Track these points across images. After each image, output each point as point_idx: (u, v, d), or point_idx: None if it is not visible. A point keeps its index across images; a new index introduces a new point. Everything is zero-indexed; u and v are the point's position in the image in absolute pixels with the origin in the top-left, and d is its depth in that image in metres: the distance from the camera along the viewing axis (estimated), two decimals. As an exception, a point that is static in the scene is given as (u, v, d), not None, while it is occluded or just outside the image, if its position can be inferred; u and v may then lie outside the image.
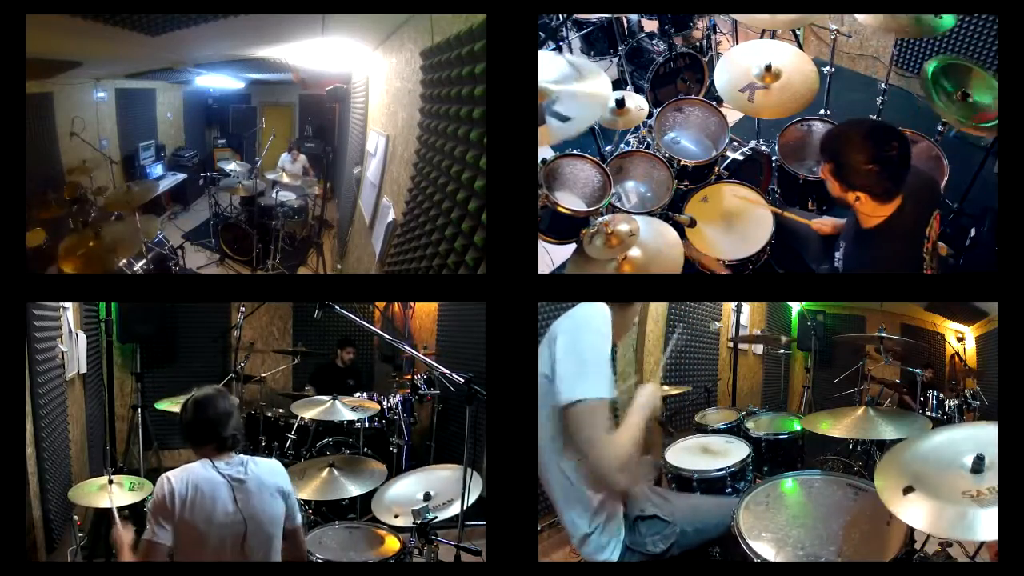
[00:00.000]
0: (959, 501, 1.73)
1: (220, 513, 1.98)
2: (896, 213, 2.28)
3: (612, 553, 2.08)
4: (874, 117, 3.72)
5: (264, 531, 2.05)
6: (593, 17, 4.52)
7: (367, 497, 3.11)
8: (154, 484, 2.02)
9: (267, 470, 2.12)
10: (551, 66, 2.86)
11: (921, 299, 5.68)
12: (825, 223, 2.89)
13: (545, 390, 2.00)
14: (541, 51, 3.54)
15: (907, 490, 1.80)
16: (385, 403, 4.43)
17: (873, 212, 2.29)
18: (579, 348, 1.93)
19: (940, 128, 3.28)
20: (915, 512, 1.75)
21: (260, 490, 2.05)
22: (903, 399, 5.05)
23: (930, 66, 3.18)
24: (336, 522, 3.04)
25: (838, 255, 2.51)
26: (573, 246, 3.09)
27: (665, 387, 4.25)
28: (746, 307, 5.67)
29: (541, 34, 4.03)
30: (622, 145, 3.67)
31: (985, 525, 1.67)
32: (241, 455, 2.10)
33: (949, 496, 1.75)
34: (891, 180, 2.21)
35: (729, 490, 2.92)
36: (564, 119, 2.75)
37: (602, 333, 1.95)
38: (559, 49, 4.15)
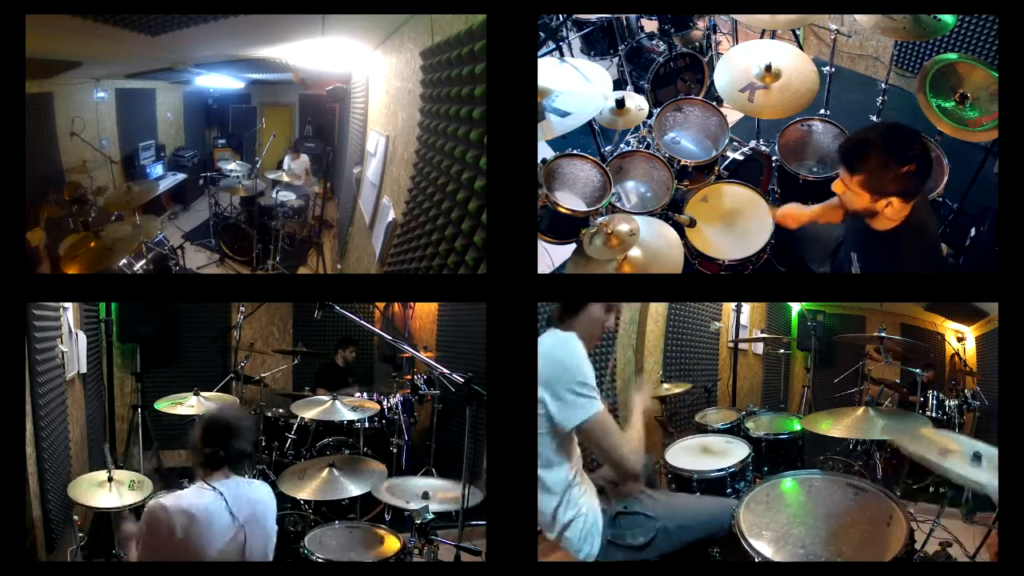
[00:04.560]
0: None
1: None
2: (913, 211, 2.30)
3: (592, 548, 2.13)
4: (874, 118, 3.72)
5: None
6: (593, 17, 4.51)
7: (367, 497, 3.11)
8: (154, 484, 2.11)
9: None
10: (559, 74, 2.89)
11: (921, 299, 5.66)
12: (788, 211, 2.88)
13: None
14: (548, 58, 3.54)
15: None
16: (385, 403, 4.43)
17: (898, 214, 2.29)
18: (558, 385, 2.06)
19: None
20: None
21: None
22: (904, 399, 5.04)
23: (926, 84, 3.17)
24: (336, 522, 3.04)
25: (855, 268, 2.50)
26: (573, 246, 3.09)
27: (665, 385, 4.25)
28: (746, 307, 5.66)
29: (541, 34, 4.02)
30: (622, 145, 3.67)
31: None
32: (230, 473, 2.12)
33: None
34: (921, 178, 2.23)
35: (729, 490, 2.92)
36: (564, 114, 2.76)
37: (571, 361, 2.08)
38: (559, 49, 4.14)
